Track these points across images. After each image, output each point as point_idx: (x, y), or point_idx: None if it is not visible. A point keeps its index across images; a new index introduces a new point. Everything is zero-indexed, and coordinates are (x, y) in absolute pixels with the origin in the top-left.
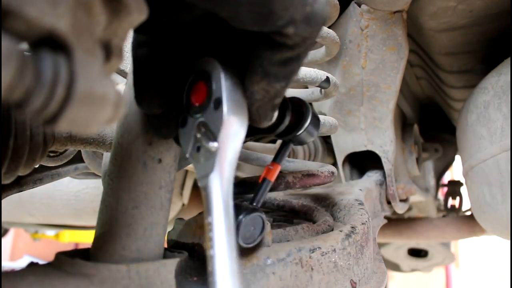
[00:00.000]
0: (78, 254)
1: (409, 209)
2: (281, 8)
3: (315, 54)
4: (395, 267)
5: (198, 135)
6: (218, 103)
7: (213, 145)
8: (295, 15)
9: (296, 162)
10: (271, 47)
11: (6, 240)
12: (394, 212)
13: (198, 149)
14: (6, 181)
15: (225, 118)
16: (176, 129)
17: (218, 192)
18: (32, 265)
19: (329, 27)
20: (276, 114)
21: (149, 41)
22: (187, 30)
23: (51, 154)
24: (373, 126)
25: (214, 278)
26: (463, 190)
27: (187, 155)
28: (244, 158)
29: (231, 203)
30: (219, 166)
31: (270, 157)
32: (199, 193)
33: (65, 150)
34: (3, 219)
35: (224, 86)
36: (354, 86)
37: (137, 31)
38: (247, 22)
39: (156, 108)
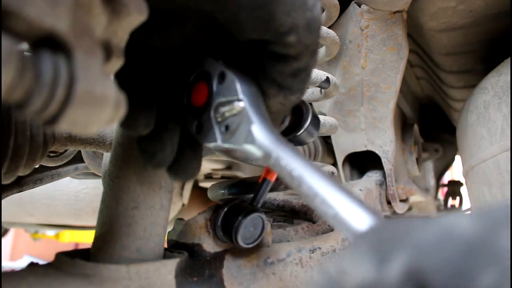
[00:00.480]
0: (78, 255)
1: (409, 209)
2: (283, 13)
3: None
4: None
5: (219, 117)
6: (222, 76)
7: (239, 104)
8: (297, 20)
9: None
10: (277, 60)
11: (6, 240)
12: (394, 212)
13: (227, 128)
14: (6, 181)
15: (235, 74)
16: (171, 155)
17: (270, 134)
18: (32, 265)
19: (329, 27)
20: None
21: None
22: (175, 53)
23: (51, 154)
24: (373, 126)
25: (315, 190)
26: (463, 190)
27: (222, 145)
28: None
29: (284, 139)
30: (256, 114)
31: None
32: (199, 193)
33: (65, 150)
34: (3, 219)
35: (222, 63)
36: (354, 86)
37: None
38: (247, 27)
39: (141, 127)
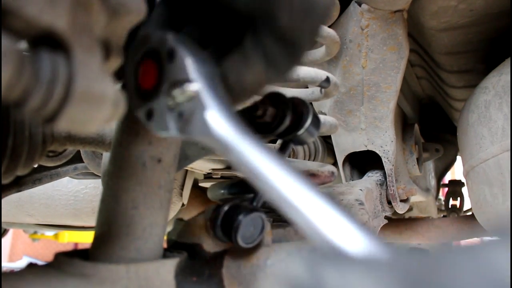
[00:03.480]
0: (77, 255)
1: (410, 209)
2: None
3: (315, 53)
4: None
5: (170, 102)
6: (172, 53)
7: (189, 86)
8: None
9: (296, 162)
10: (269, 30)
11: (5, 241)
12: (395, 212)
13: (180, 115)
14: (4, 181)
15: (186, 51)
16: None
17: (228, 122)
18: (31, 265)
19: (329, 27)
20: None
21: None
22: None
23: (50, 154)
24: (373, 126)
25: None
26: (464, 190)
27: (176, 133)
28: None
29: (245, 128)
30: (211, 98)
31: None
32: (199, 193)
33: (64, 150)
34: (2, 220)
35: (172, 36)
36: (354, 85)
37: None
38: None
39: None
